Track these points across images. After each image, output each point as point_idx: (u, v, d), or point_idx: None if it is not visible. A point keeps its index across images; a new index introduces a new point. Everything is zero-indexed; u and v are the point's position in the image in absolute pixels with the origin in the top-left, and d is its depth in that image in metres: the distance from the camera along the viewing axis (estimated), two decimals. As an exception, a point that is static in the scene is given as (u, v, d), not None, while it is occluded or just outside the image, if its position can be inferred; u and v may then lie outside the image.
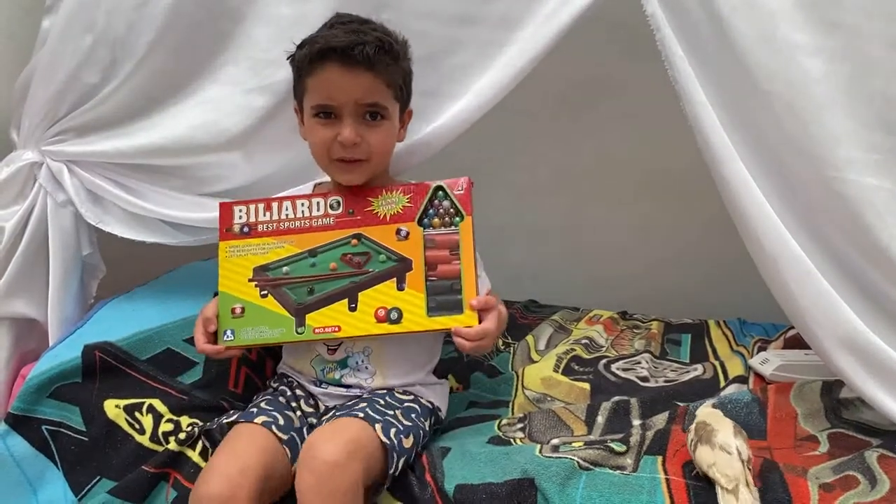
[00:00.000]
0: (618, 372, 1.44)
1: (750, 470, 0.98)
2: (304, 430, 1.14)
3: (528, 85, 1.27)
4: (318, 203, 1.18)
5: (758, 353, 1.45)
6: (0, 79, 1.41)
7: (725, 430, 1.01)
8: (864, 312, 1.11)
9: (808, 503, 0.97)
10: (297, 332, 1.13)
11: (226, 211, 1.20)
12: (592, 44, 1.53)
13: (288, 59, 1.20)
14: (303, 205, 1.18)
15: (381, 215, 1.16)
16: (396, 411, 1.13)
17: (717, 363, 1.46)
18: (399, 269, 1.13)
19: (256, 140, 1.32)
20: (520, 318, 1.73)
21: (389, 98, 1.15)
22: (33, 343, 1.38)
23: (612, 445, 1.10)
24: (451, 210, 1.15)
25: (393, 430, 1.07)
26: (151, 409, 1.17)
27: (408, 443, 1.09)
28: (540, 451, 1.08)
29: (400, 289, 1.12)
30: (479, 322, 1.10)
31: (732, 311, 1.74)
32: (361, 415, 1.07)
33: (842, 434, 1.15)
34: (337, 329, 1.12)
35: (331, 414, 1.17)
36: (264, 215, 1.18)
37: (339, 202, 1.17)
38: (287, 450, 1.08)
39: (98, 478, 1.15)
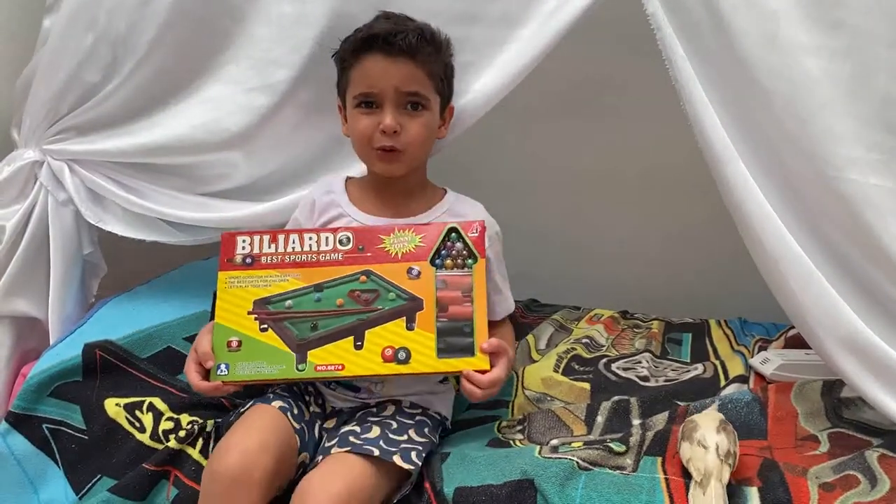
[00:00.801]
0: (618, 371, 1.43)
1: (730, 466, 0.98)
2: (315, 426, 1.14)
3: (529, 84, 1.27)
4: (326, 237, 1.14)
5: (758, 352, 1.45)
6: (1, 78, 1.42)
7: (707, 426, 1.02)
8: (865, 312, 1.11)
9: (808, 503, 0.97)
10: (298, 370, 1.08)
11: (229, 241, 1.15)
12: (593, 43, 1.52)
13: (332, 56, 1.21)
14: (310, 238, 1.14)
15: (393, 253, 1.13)
16: (410, 431, 1.11)
17: (717, 363, 1.46)
18: (409, 308, 1.10)
19: (257, 139, 1.32)
20: (520, 318, 1.73)
21: (430, 89, 1.16)
22: (34, 342, 1.38)
23: (612, 445, 1.09)
24: (465, 252, 1.13)
25: (414, 453, 1.06)
26: (152, 407, 1.17)
27: (424, 457, 1.09)
28: (539, 452, 1.08)
29: (409, 328, 1.09)
30: (491, 365, 1.09)
31: (733, 310, 1.74)
32: (377, 451, 1.03)
33: (842, 434, 1.14)
34: (341, 367, 1.08)
35: (335, 421, 1.16)
36: (269, 247, 1.14)
37: (349, 238, 1.14)
38: (297, 438, 1.08)
39: (98, 476, 1.15)
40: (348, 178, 1.28)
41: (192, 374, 1.09)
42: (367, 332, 1.10)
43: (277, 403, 1.10)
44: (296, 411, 1.11)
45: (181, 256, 1.51)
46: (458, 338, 1.09)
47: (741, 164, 1.14)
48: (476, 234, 1.13)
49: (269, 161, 1.36)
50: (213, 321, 1.13)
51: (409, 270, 1.12)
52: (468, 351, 1.08)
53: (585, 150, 1.92)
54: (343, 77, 1.19)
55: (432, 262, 1.13)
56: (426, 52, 1.14)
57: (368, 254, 1.14)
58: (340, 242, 1.14)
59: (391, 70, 1.13)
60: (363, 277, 1.13)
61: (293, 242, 1.14)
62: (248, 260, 1.14)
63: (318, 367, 1.08)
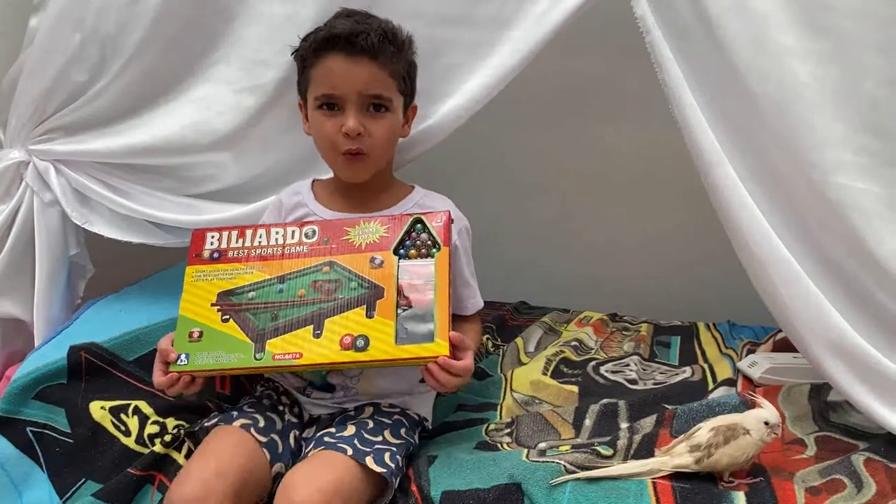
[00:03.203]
0: (606, 374, 1.43)
1: (695, 459, 1.00)
2: (290, 435, 1.13)
3: (519, 84, 1.27)
4: (293, 231, 1.15)
5: (746, 355, 1.45)
6: (-13, 77, 1.40)
7: (703, 427, 1.04)
8: (853, 316, 1.11)
9: (794, 507, 0.97)
10: (256, 359, 1.07)
11: (198, 237, 1.16)
12: (582, 45, 1.53)
13: (292, 54, 1.20)
14: (277, 232, 1.15)
15: (357, 244, 1.13)
16: (385, 432, 1.11)
17: (705, 366, 1.46)
18: (370, 297, 1.09)
19: (246, 140, 1.32)
20: (510, 320, 1.73)
21: (393, 89, 1.15)
22: (19, 343, 1.38)
23: (599, 449, 1.10)
24: (429, 242, 1.12)
25: (387, 455, 1.05)
26: (137, 410, 1.16)
27: (402, 461, 1.09)
28: (527, 456, 1.07)
29: (369, 316, 1.08)
30: (450, 354, 1.05)
31: (722, 313, 1.74)
32: (350, 450, 1.03)
33: (829, 437, 1.15)
34: (298, 356, 1.07)
35: (314, 429, 1.16)
36: (237, 242, 1.15)
37: (314, 231, 1.14)
38: (266, 452, 1.07)
39: (83, 480, 1.13)
40: (315, 180, 1.28)
41: (155, 372, 1.10)
42: (326, 320, 1.09)
43: (239, 422, 1.09)
44: (262, 424, 1.10)
45: (170, 258, 1.50)
46: (418, 325, 1.07)
47: (729, 166, 1.14)
48: (440, 224, 1.13)
49: (258, 162, 1.35)
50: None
51: (372, 260, 1.12)
52: (428, 338, 1.06)
53: (574, 152, 1.92)
54: (303, 75, 1.18)
55: (396, 252, 1.12)
56: (388, 52, 1.13)
57: (333, 245, 1.13)
58: (306, 235, 1.14)
59: (353, 71, 1.11)
60: (326, 268, 1.12)
61: (260, 237, 1.15)
62: (216, 254, 1.15)
63: (276, 356, 1.07)
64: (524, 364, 1.50)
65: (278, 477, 1.08)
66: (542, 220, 1.99)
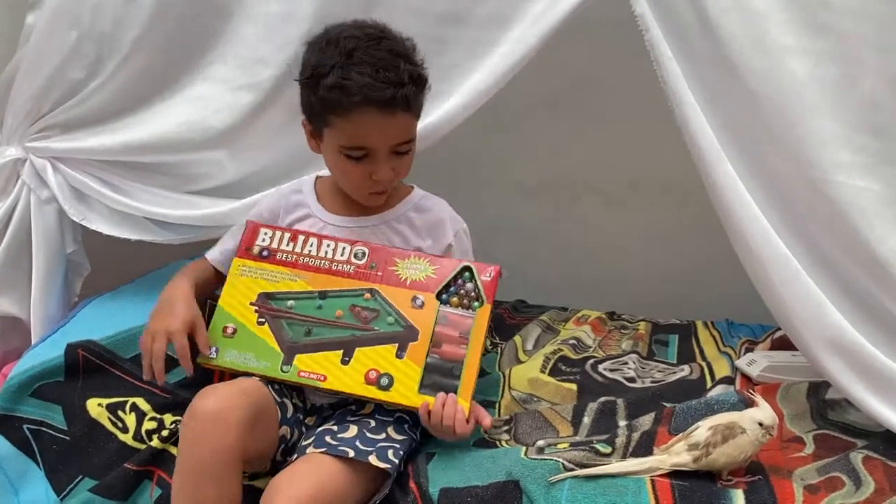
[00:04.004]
0: (605, 372, 1.43)
1: (694, 458, 1.01)
2: (297, 415, 1.14)
3: (518, 84, 1.26)
4: (343, 248, 1.15)
5: (745, 354, 1.45)
6: (-16, 74, 1.40)
7: (702, 426, 1.04)
8: (851, 314, 1.12)
9: (792, 505, 0.97)
10: (282, 371, 1.09)
11: (252, 230, 1.18)
12: (582, 43, 1.52)
13: (302, 80, 1.13)
14: (328, 245, 1.16)
15: (403, 278, 1.13)
16: (388, 428, 1.11)
17: (704, 364, 1.46)
18: (403, 336, 1.10)
19: (243, 138, 1.32)
20: (508, 319, 1.73)
21: (416, 123, 1.15)
22: (16, 341, 1.37)
23: (598, 447, 1.10)
24: (473, 294, 1.12)
25: (391, 452, 1.06)
26: (135, 407, 1.16)
27: (402, 455, 1.09)
28: (525, 454, 1.07)
29: (399, 356, 1.09)
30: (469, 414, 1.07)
31: (720, 311, 1.74)
32: (352, 452, 1.03)
33: (827, 435, 1.15)
34: (322, 378, 1.09)
35: (315, 418, 1.16)
36: (287, 245, 1.16)
37: (364, 253, 1.15)
38: (279, 411, 1.08)
39: (80, 477, 1.14)
40: (317, 177, 1.28)
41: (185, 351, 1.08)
42: (357, 349, 1.10)
43: (257, 378, 1.11)
44: (276, 387, 1.11)
45: (167, 255, 1.49)
46: (445, 378, 1.09)
47: (728, 165, 1.15)
48: (489, 279, 1.13)
49: (256, 160, 1.35)
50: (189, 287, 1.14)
51: (414, 299, 1.12)
52: (451, 393, 1.07)
53: (573, 150, 1.91)
54: (323, 114, 1.11)
55: (439, 296, 1.13)
56: (417, 95, 1.11)
57: (379, 273, 1.14)
58: (356, 256, 1.15)
59: (388, 127, 1.10)
60: (367, 295, 1.14)
61: (311, 245, 1.16)
62: (265, 253, 1.16)
63: (302, 373, 1.09)
64: (522, 362, 1.49)
65: (282, 440, 1.09)
66: (540, 219, 1.98)
